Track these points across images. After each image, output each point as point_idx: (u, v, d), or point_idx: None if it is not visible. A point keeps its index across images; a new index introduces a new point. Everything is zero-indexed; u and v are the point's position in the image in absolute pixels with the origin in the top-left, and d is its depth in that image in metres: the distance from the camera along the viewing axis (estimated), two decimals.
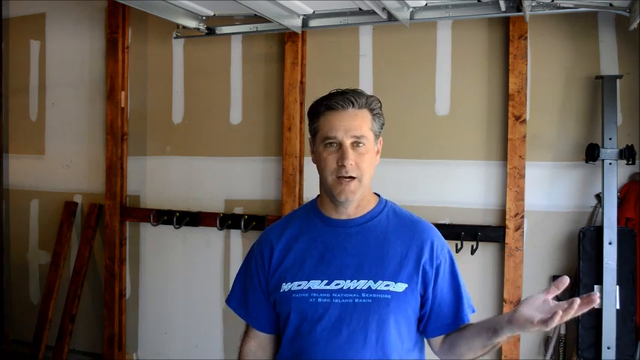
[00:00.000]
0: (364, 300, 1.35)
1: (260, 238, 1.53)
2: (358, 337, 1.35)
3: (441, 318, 1.42)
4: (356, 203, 1.42)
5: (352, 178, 1.35)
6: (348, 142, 1.35)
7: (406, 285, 1.37)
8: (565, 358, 2.63)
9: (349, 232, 1.42)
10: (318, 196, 1.50)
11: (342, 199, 1.37)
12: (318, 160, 1.41)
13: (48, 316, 3.59)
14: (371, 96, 1.41)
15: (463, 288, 1.44)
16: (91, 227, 3.55)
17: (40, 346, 3.57)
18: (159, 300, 3.46)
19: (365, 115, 1.38)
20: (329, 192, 1.40)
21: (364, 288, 1.36)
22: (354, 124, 1.36)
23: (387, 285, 1.36)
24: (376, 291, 1.35)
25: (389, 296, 1.35)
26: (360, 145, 1.36)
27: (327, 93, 1.43)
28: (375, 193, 1.50)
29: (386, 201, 1.50)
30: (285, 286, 1.41)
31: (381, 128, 1.43)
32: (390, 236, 1.42)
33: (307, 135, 3.19)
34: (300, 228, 1.47)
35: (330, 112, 1.37)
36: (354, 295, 1.36)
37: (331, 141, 1.36)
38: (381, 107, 1.43)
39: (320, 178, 1.43)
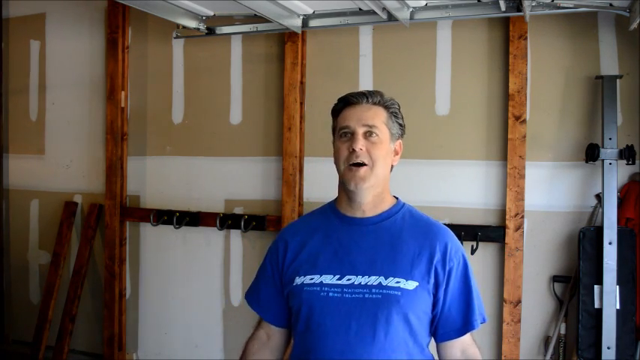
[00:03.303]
0: (374, 295, 1.36)
1: (277, 236, 1.59)
2: (367, 333, 1.35)
3: (449, 323, 1.42)
4: (370, 197, 1.43)
5: (363, 164, 1.39)
6: (360, 130, 1.41)
7: (417, 283, 1.37)
8: (565, 358, 2.63)
9: (364, 230, 1.44)
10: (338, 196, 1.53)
11: (352, 186, 1.40)
12: (334, 154, 1.46)
13: (48, 316, 3.59)
14: (391, 98, 1.48)
15: (475, 295, 1.43)
16: (91, 227, 3.55)
17: (40, 346, 3.57)
18: (159, 300, 3.46)
19: (379, 110, 1.44)
20: (342, 183, 1.44)
21: (375, 284, 1.37)
22: (366, 115, 1.42)
23: (398, 282, 1.36)
24: (387, 287, 1.36)
25: (399, 293, 1.36)
26: (373, 135, 1.41)
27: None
28: (394, 196, 1.53)
29: (404, 203, 1.52)
30: (298, 280, 1.44)
31: (401, 131, 1.49)
32: (405, 235, 1.43)
33: (307, 135, 3.20)
34: (316, 224, 1.51)
35: (346, 107, 1.45)
36: (365, 290, 1.37)
37: (345, 131, 1.42)
38: (399, 110, 1.48)
39: (337, 170, 1.46)
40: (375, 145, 1.41)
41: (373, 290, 1.36)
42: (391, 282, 1.37)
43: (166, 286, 3.43)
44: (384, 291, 1.36)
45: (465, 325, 1.42)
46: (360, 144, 1.39)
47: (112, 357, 3.43)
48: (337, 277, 1.40)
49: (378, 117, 1.43)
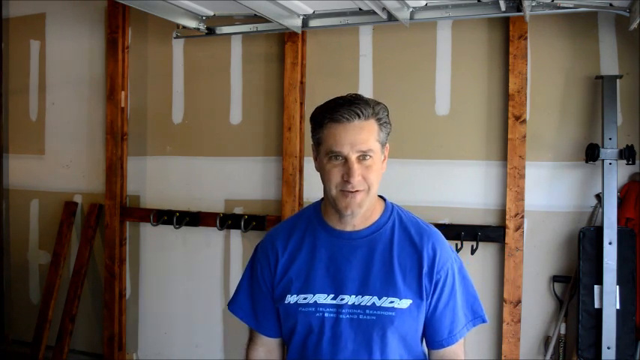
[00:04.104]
0: (368, 317, 1.35)
1: (264, 244, 1.50)
2: (363, 354, 1.35)
3: (432, 334, 1.41)
4: (361, 214, 1.38)
5: (358, 191, 1.32)
6: (354, 156, 1.30)
7: (410, 301, 1.35)
8: (565, 358, 2.63)
9: (354, 245, 1.40)
10: (322, 200, 1.47)
11: (348, 212, 1.34)
12: (321, 171, 1.37)
13: (48, 316, 3.59)
14: (378, 104, 1.35)
15: (462, 306, 1.41)
16: (91, 227, 3.55)
17: (40, 346, 3.57)
18: (159, 300, 3.46)
19: (371, 126, 1.32)
20: (333, 204, 1.36)
21: (368, 304, 1.35)
22: (360, 138, 1.30)
23: (392, 302, 1.35)
24: (380, 308, 1.34)
25: (393, 313, 1.34)
26: (367, 158, 1.31)
27: (328, 95, 1.39)
28: (381, 197, 1.47)
29: (392, 207, 1.46)
30: (291, 298, 1.40)
31: (388, 135, 1.38)
32: (395, 248, 1.39)
33: (307, 135, 3.18)
34: (304, 238, 1.45)
35: (334, 124, 1.30)
36: (359, 311, 1.35)
37: (336, 155, 1.31)
38: (388, 115, 1.37)
39: (324, 187, 1.39)
40: (370, 169, 1.31)
41: (367, 311, 1.35)
42: (385, 302, 1.34)
43: (166, 286, 3.43)
44: (378, 312, 1.34)
45: (448, 338, 1.40)
46: (357, 174, 1.29)
47: (112, 357, 3.43)
48: (331, 296, 1.37)
49: (371, 136, 1.31)
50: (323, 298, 1.37)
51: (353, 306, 1.36)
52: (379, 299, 1.35)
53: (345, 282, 1.37)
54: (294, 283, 1.41)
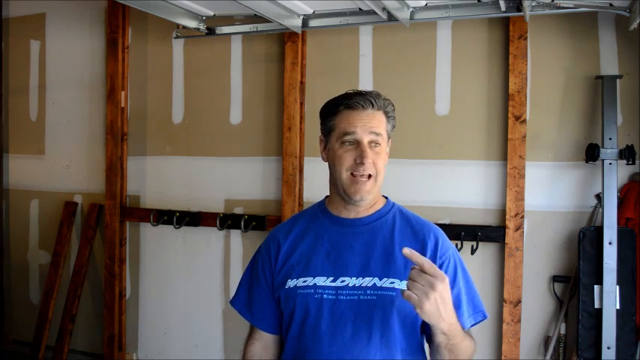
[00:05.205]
0: (369, 297, 1.35)
1: (267, 238, 1.54)
2: (362, 334, 1.35)
3: None
4: (368, 202, 1.43)
5: (369, 176, 1.38)
6: (366, 140, 1.38)
7: None
8: (565, 358, 2.63)
9: (356, 231, 1.43)
10: (327, 197, 1.51)
11: (357, 197, 1.39)
12: (332, 157, 1.42)
13: (48, 316, 3.59)
14: (386, 99, 1.44)
15: (466, 293, 1.42)
16: (91, 227, 3.55)
17: (40, 346, 3.57)
18: (159, 300, 3.46)
19: (381, 116, 1.41)
20: (342, 190, 1.41)
21: (369, 285, 1.36)
22: (372, 123, 1.39)
23: (392, 282, 1.36)
24: (381, 288, 1.36)
25: (394, 293, 1.35)
26: (377, 145, 1.39)
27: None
28: (383, 196, 1.51)
29: (393, 203, 1.51)
30: (291, 282, 1.42)
31: (392, 130, 1.46)
32: (397, 235, 1.42)
33: (308, 135, 3.20)
34: (307, 226, 1.49)
35: (349, 110, 1.40)
36: (359, 292, 1.36)
37: (349, 138, 1.38)
38: (394, 110, 1.46)
39: (332, 176, 1.44)
40: (379, 156, 1.39)
41: (368, 292, 1.36)
42: (386, 283, 1.36)
43: (166, 287, 3.43)
44: (379, 292, 1.35)
45: None
46: (370, 156, 1.37)
47: (112, 357, 3.43)
48: (331, 278, 1.39)
49: (381, 125, 1.40)
50: (322, 281, 1.39)
51: (353, 287, 1.37)
52: (380, 280, 1.36)
53: (346, 265, 1.39)
54: (295, 269, 1.43)
